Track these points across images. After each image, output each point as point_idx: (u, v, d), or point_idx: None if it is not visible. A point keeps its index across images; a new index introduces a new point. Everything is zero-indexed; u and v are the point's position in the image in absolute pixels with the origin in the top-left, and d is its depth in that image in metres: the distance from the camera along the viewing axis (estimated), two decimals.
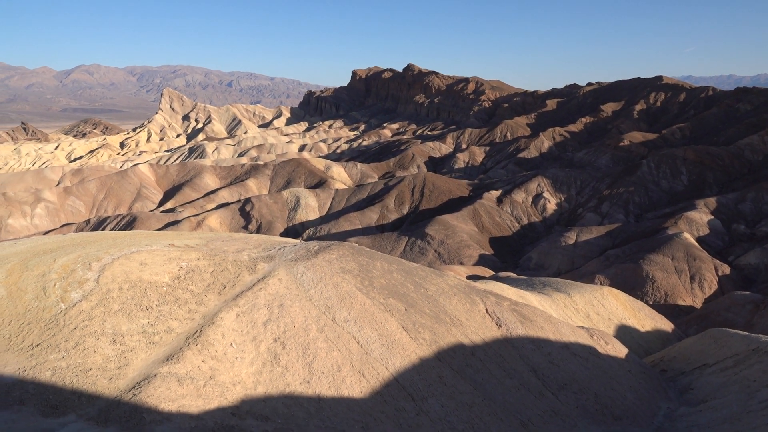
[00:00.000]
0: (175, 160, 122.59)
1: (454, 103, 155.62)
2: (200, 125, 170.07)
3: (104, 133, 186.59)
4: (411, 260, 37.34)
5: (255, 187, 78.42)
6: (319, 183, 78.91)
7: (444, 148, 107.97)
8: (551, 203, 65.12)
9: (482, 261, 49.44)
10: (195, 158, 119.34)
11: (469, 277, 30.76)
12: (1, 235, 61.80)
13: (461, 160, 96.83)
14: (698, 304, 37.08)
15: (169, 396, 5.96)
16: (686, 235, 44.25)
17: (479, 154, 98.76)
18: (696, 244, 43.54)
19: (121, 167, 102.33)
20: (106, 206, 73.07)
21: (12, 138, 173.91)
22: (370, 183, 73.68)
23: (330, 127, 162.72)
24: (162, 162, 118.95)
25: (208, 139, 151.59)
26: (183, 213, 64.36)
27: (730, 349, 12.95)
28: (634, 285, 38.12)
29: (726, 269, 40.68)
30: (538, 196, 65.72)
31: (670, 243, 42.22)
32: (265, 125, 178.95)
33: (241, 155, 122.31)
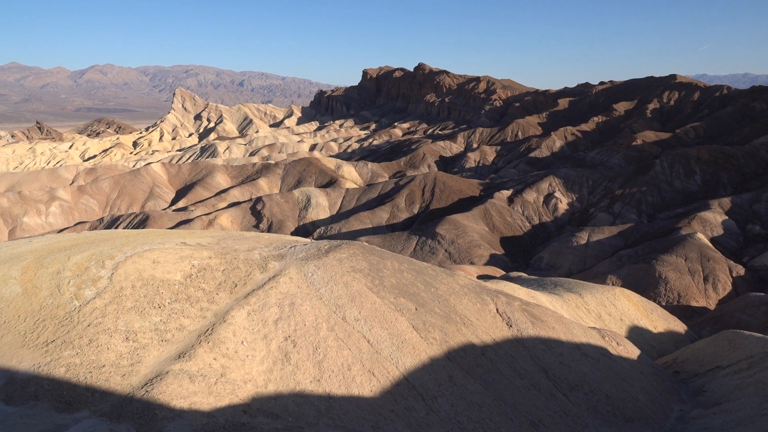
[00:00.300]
0: (187, 160, 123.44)
1: (465, 103, 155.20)
2: (212, 125, 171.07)
3: (117, 133, 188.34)
4: (421, 260, 37.30)
5: (266, 186, 78.74)
6: (329, 182, 79.06)
7: (455, 147, 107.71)
8: (563, 203, 64.73)
9: (493, 261, 49.27)
10: (207, 157, 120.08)
11: (480, 277, 30.67)
12: (17, 233, 62.60)
13: (472, 159, 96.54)
14: (712, 306, 36.68)
15: (181, 393, 6.01)
16: (700, 235, 43.77)
17: (490, 153, 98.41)
18: (710, 244, 43.06)
19: (134, 166, 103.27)
20: (119, 205, 73.76)
21: (27, 137, 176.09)
22: (380, 182, 73.69)
23: (341, 126, 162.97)
24: (174, 161, 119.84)
25: (220, 138, 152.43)
26: (195, 212, 64.79)
27: (745, 351, 12.80)
28: (646, 286, 37.78)
29: (740, 270, 40.20)
30: (549, 196, 65.35)
31: (683, 243, 41.79)
32: (277, 125, 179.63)
33: (252, 154, 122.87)
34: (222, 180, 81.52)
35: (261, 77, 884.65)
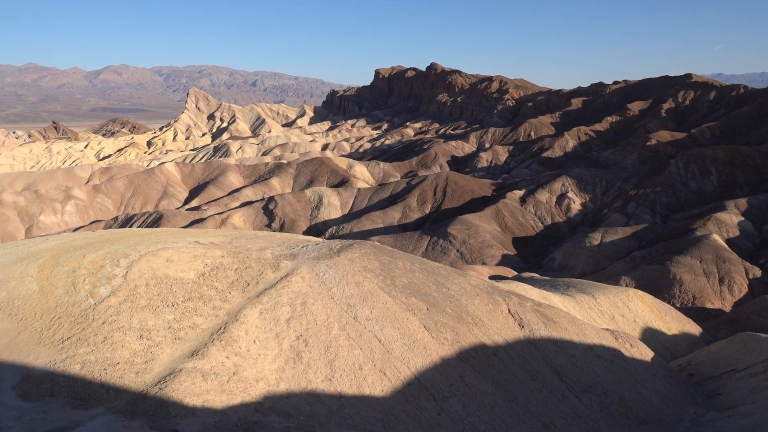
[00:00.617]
0: (200, 159, 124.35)
1: (477, 102, 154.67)
2: (225, 124, 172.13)
3: (132, 132, 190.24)
4: (433, 260, 37.24)
5: (278, 185, 79.07)
6: (341, 182, 79.20)
7: (467, 147, 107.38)
8: (576, 203, 64.27)
9: (505, 261, 49.06)
10: (220, 157, 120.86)
11: (492, 278, 30.56)
12: (33, 231, 63.45)
13: (484, 159, 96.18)
14: (727, 308, 36.21)
15: (194, 391, 6.06)
16: (715, 236, 43.22)
17: (502, 153, 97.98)
18: (725, 246, 42.49)
19: (148, 166, 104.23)
20: (133, 204, 74.49)
21: (44, 137, 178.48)
22: (392, 182, 73.68)
23: (353, 126, 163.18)
24: (188, 161, 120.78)
25: (233, 138, 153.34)
26: (208, 211, 65.24)
27: (761, 354, 12.63)
28: (660, 287, 37.39)
29: (757, 272, 39.63)
30: (562, 196, 64.92)
31: (698, 245, 41.29)
32: (289, 124, 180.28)
33: (264, 154, 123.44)
34: (235, 179, 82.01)
35: (273, 77, 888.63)
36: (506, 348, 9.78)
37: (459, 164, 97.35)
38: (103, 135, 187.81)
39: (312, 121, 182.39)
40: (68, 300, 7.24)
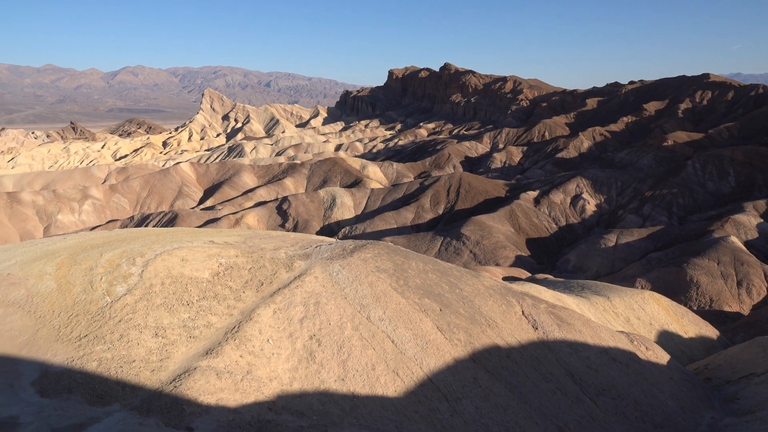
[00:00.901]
0: (215, 159, 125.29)
1: (491, 103, 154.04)
2: (239, 125, 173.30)
3: (148, 133, 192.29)
4: (446, 261, 37.15)
5: (292, 185, 79.42)
6: (355, 182, 79.32)
7: (480, 147, 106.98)
8: (590, 204, 63.73)
9: (518, 262, 48.78)
10: (234, 157, 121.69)
11: (505, 279, 30.41)
12: (51, 230, 64.40)
13: (498, 160, 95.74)
14: (746, 311, 35.65)
15: (208, 389, 6.10)
16: (733, 238, 42.59)
17: (516, 154, 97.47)
18: (744, 248, 41.85)
19: (163, 166, 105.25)
20: (149, 203, 75.28)
21: (62, 137, 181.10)
22: (405, 182, 73.64)
23: (366, 126, 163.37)
24: (202, 161, 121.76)
25: (247, 138, 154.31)
26: (222, 211, 65.72)
27: None
28: (677, 290, 36.93)
29: None
30: (576, 197, 64.40)
31: (716, 247, 40.72)
32: (303, 125, 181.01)
33: (278, 154, 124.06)
34: (249, 179, 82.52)
35: (287, 78, 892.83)
36: (520, 350, 9.72)
37: (472, 165, 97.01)
38: (120, 135, 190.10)
39: (326, 122, 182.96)
40: (85, 298, 7.34)
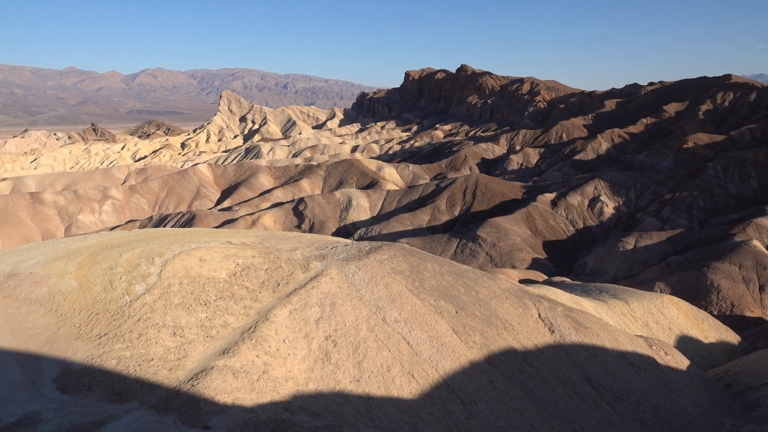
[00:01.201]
0: (232, 161, 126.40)
1: (508, 104, 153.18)
2: (256, 126, 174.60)
3: (167, 134, 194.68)
4: (462, 263, 37.01)
5: (308, 187, 79.78)
6: (370, 184, 79.42)
7: (497, 149, 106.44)
8: (609, 207, 63.03)
9: (535, 265, 48.41)
10: (251, 158, 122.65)
11: (522, 281, 30.20)
12: (72, 229, 65.49)
13: (515, 161, 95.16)
14: None
15: (225, 388, 6.16)
16: (755, 242, 41.79)
17: (533, 155, 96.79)
18: (766, 252, 41.05)
19: (181, 167, 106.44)
20: (167, 204, 76.18)
21: (83, 138, 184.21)
22: (421, 184, 73.53)
23: (382, 128, 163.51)
24: (220, 162, 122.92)
25: (264, 139, 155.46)
26: (239, 211, 66.23)
27: None
28: (697, 294, 36.35)
29: None
30: (594, 200, 63.75)
31: (737, 250, 40.00)
32: (319, 126, 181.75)
33: (295, 156, 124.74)
34: (265, 181, 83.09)
35: (304, 80, 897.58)
36: (536, 353, 9.65)
37: (489, 167, 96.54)
38: (139, 137, 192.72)
39: (342, 123, 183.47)
40: (105, 297, 7.45)
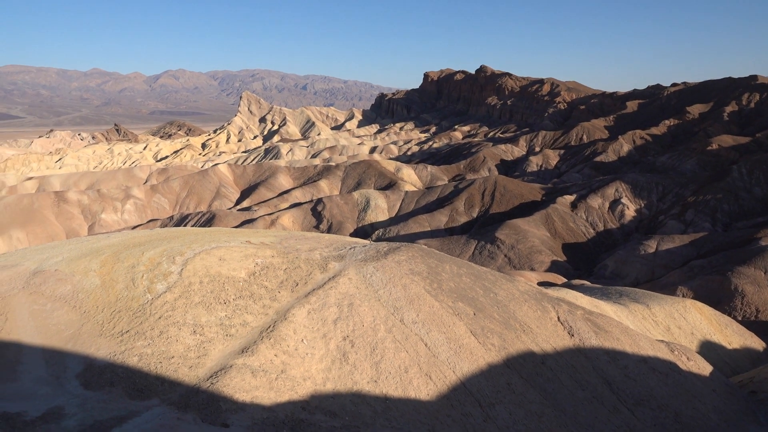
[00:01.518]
0: (251, 161, 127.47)
1: (527, 105, 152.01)
2: (276, 127, 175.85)
3: (187, 135, 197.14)
4: (480, 264, 36.77)
5: (327, 187, 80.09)
6: (389, 184, 79.44)
7: (516, 150, 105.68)
8: (630, 209, 62.15)
9: (554, 267, 47.94)
10: (270, 159, 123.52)
11: (541, 284, 29.93)
12: (95, 228, 66.66)
13: (534, 163, 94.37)
14: None
15: (244, 387, 6.21)
16: None
17: (553, 157, 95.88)
18: None
19: (202, 167, 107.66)
20: (188, 204, 77.11)
21: (106, 139, 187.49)
22: (439, 185, 73.33)
23: (401, 129, 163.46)
24: (240, 162, 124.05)
25: (283, 140, 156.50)
26: (258, 211, 66.75)
27: None
28: (720, 299, 35.65)
29: None
30: (615, 202, 62.91)
31: (763, 255, 39.14)
32: (338, 127, 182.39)
33: (314, 156, 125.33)
34: (284, 181, 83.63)
35: (323, 81, 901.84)
36: (555, 356, 9.55)
37: (508, 168, 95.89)
38: (161, 137, 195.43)
39: (360, 124, 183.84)
40: (127, 295, 7.57)
